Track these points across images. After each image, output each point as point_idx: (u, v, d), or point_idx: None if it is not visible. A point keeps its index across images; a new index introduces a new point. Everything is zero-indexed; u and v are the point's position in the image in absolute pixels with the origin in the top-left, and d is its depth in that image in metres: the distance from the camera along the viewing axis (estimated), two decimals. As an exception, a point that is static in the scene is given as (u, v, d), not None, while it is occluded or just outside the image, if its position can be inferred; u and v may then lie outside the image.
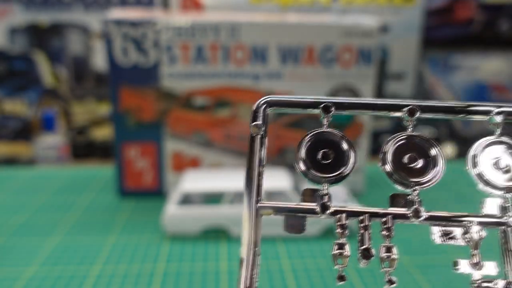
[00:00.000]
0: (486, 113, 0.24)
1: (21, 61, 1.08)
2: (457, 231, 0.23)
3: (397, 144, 0.23)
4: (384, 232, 0.23)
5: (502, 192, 0.23)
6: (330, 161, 0.23)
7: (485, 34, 1.06)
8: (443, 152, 0.23)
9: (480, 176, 0.23)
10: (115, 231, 0.46)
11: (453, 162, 0.69)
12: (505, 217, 0.23)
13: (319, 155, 0.24)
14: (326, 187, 0.23)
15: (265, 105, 0.25)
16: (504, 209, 0.23)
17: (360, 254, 0.22)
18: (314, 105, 0.25)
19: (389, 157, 0.23)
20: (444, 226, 0.23)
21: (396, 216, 0.23)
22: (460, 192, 0.57)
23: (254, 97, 0.52)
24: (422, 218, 0.23)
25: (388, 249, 0.23)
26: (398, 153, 0.23)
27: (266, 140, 0.25)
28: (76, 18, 1.06)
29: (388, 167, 0.23)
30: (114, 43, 0.50)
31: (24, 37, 1.07)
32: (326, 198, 0.23)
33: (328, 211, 0.23)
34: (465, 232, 0.23)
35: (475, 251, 0.22)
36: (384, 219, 0.23)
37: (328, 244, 0.44)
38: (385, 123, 0.91)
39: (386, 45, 0.87)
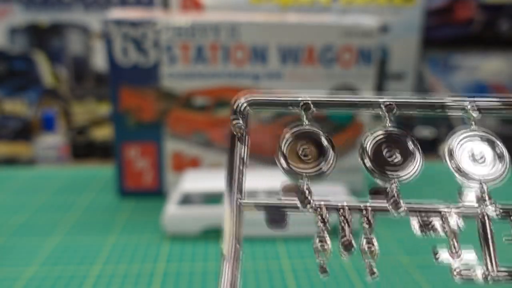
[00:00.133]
0: (462, 108, 0.24)
1: (21, 61, 1.08)
2: (436, 222, 0.24)
3: (376, 139, 0.24)
4: (365, 225, 0.24)
5: (479, 182, 0.24)
6: (310, 157, 0.24)
7: (485, 34, 1.06)
8: (420, 146, 0.24)
9: (457, 168, 0.24)
10: (115, 231, 0.46)
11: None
12: (482, 207, 0.24)
13: (300, 151, 0.24)
14: (307, 182, 0.24)
15: (245, 105, 0.25)
16: (481, 199, 0.24)
17: (341, 247, 0.23)
18: (294, 104, 0.25)
19: (368, 151, 0.24)
20: (423, 217, 0.24)
21: (375, 209, 0.24)
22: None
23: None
24: (401, 210, 0.24)
25: (369, 241, 0.23)
26: (377, 148, 0.24)
27: (248, 139, 0.25)
28: (76, 18, 1.06)
29: (367, 162, 0.24)
30: (114, 43, 0.50)
31: (24, 37, 1.07)
32: (306, 193, 0.24)
33: (309, 205, 0.24)
34: (444, 222, 0.24)
35: (454, 240, 0.23)
36: (364, 212, 0.24)
37: (328, 244, 0.44)
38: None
39: (386, 45, 0.87)
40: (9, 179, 0.61)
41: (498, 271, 0.23)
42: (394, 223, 0.48)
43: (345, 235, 0.23)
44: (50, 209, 0.51)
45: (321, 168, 0.24)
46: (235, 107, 0.25)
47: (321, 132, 0.25)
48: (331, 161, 0.24)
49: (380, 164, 0.24)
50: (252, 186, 0.44)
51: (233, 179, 0.25)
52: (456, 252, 0.23)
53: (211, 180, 0.46)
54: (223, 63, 0.51)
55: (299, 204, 0.24)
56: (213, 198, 0.46)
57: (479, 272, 0.23)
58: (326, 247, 0.23)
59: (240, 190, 0.25)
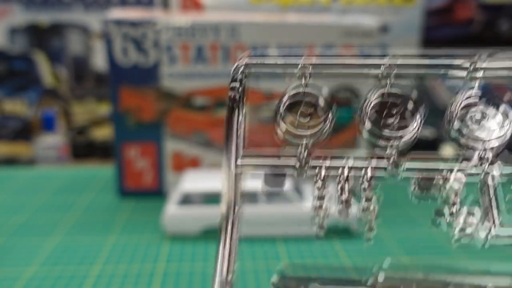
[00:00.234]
0: (465, 68, 0.24)
1: (21, 61, 1.08)
2: (437, 182, 0.24)
3: (375, 102, 0.24)
4: (364, 185, 0.24)
5: (481, 143, 0.23)
6: (309, 119, 0.25)
7: (485, 34, 1.06)
8: (421, 108, 0.24)
9: (459, 131, 0.24)
10: (115, 231, 0.46)
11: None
12: (485, 166, 0.24)
13: (299, 113, 0.25)
14: (307, 143, 0.25)
15: (242, 68, 0.25)
16: (482, 159, 0.24)
17: (340, 205, 0.24)
18: (293, 66, 0.25)
19: (368, 114, 0.24)
20: (424, 177, 0.24)
21: (375, 168, 0.24)
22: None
23: (254, 97, 0.52)
24: (401, 169, 0.24)
25: (368, 199, 0.24)
26: (376, 110, 0.24)
27: (244, 101, 0.25)
28: (76, 18, 1.06)
29: (367, 124, 0.24)
30: (114, 43, 0.50)
31: (24, 37, 1.07)
32: (305, 154, 0.24)
33: (307, 166, 0.25)
34: (445, 182, 0.24)
35: (455, 198, 0.23)
36: (363, 172, 0.24)
37: (328, 244, 0.44)
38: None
39: (386, 45, 0.87)
40: (9, 179, 0.61)
41: (500, 231, 0.23)
42: (394, 223, 0.48)
43: (343, 193, 0.24)
44: (50, 209, 0.51)
45: (320, 130, 0.24)
46: (233, 69, 0.25)
47: (319, 94, 0.25)
48: (329, 122, 0.24)
49: (379, 125, 0.24)
50: (252, 186, 0.44)
51: (231, 140, 0.25)
52: (458, 211, 0.23)
53: (211, 180, 0.46)
54: (223, 63, 0.51)
55: (297, 164, 0.25)
56: (213, 198, 0.46)
57: (481, 232, 0.23)
58: (324, 205, 0.24)
59: (237, 152, 0.25)
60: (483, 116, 0.24)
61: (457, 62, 0.24)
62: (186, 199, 0.44)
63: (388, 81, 0.25)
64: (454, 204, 0.23)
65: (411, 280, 0.26)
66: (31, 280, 0.37)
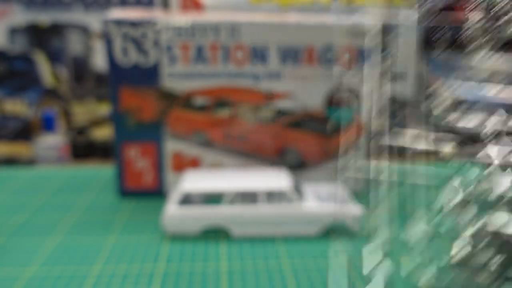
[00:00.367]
0: None
1: (21, 61, 1.09)
2: None
3: None
4: None
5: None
6: None
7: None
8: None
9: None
10: (115, 231, 0.46)
11: (452, 162, 0.69)
12: None
13: None
14: None
15: None
16: None
17: None
18: None
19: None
20: None
21: None
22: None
23: (254, 97, 0.53)
24: None
25: None
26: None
27: None
28: (76, 18, 1.06)
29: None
30: (114, 43, 0.50)
31: (24, 37, 1.07)
32: None
33: None
34: None
35: None
36: None
37: (328, 244, 0.44)
38: (385, 123, 0.91)
39: (386, 45, 0.87)
40: (9, 179, 0.61)
41: None
42: (394, 223, 0.48)
43: None
44: (50, 209, 0.51)
45: None
46: None
47: None
48: None
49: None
50: (253, 187, 0.44)
51: None
52: None
53: (211, 180, 0.46)
54: (223, 63, 0.51)
55: None
56: (213, 198, 0.46)
57: None
58: None
59: None
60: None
61: None
62: (186, 199, 0.44)
63: None
64: None
65: None
66: (31, 280, 0.37)
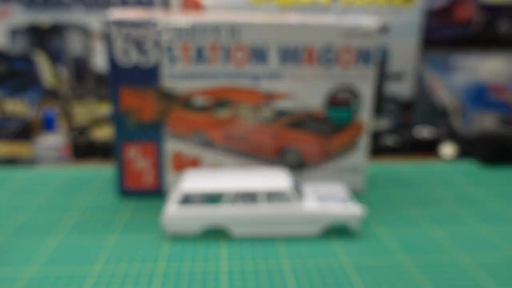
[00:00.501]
0: None
1: (22, 62, 1.09)
2: None
3: None
4: None
5: None
6: None
7: (484, 34, 1.06)
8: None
9: None
10: (115, 231, 0.46)
11: (453, 162, 0.69)
12: None
13: None
14: None
15: None
16: None
17: None
18: None
19: None
20: None
21: None
22: (460, 192, 0.57)
23: (254, 97, 0.53)
24: None
25: None
26: None
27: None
28: (76, 18, 1.06)
29: None
30: (115, 44, 0.50)
31: (25, 38, 1.08)
32: None
33: None
34: None
35: None
36: None
37: (328, 244, 0.44)
38: (385, 123, 0.91)
39: (386, 46, 0.87)
40: (9, 179, 0.61)
41: None
42: (394, 223, 0.48)
43: None
44: (50, 209, 0.51)
45: None
46: None
47: None
48: None
49: None
50: (253, 187, 0.44)
51: None
52: None
53: (211, 180, 0.46)
54: (223, 64, 0.51)
55: None
56: (213, 198, 0.46)
57: None
58: None
59: None
60: None
61: None
62: (186, 199, 0.45)
63: None
64: None
65: None
66: (31, 280, 0.37)
